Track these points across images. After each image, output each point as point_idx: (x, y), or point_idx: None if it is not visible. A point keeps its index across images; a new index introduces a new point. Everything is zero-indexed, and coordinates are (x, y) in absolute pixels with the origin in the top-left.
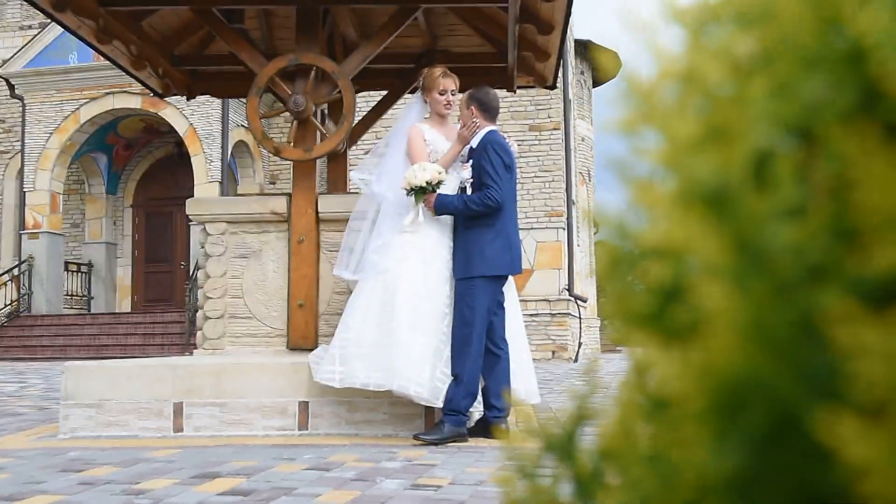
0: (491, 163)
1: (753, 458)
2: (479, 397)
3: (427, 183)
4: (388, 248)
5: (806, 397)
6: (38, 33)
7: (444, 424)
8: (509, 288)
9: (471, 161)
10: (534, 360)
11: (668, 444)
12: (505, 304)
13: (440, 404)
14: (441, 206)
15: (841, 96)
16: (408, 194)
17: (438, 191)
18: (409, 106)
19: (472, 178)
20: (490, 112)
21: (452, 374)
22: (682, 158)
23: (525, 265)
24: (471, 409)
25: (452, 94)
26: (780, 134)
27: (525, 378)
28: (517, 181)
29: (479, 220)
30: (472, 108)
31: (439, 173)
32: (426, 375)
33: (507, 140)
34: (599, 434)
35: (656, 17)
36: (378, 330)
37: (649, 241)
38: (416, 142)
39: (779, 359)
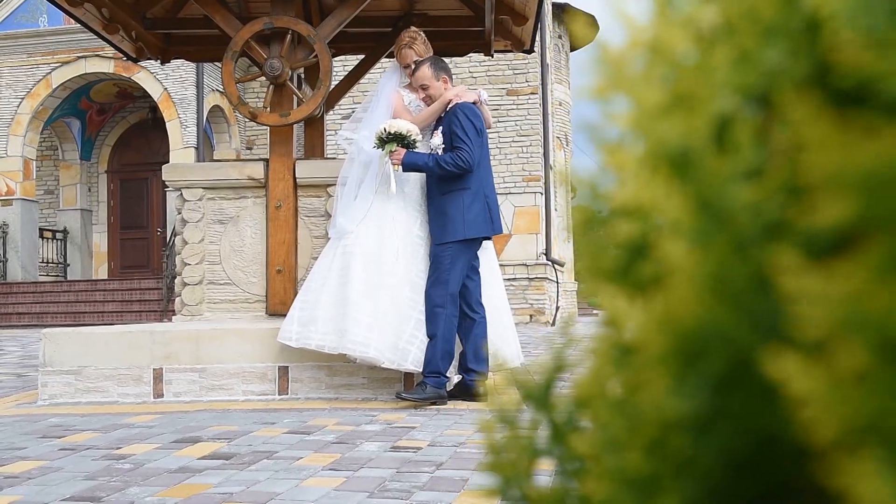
0: (462, 127)
1: (710, 400)
2: (456, 361)
3: (408, 132)
4: (352, 211)
5: (758, 343)
6: None
7: (425, 385)
8: (486, 253)
9: (440, 128)
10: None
11: (633, 388)
12: (483, 270)
13: (407, 367)
14: (411, 163)
15: (797, 65)
16: (378, 145)
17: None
18: (388, 73)
19: (442, 143)
20: (452, 80)
21: (428, 336)
22: (648, 123)
23: (503, 230)
24: (450, 372)
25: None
26: (741, 100)
27: (507, 342)
28: (493, 145)
29: (455, 185)
30: (444, 78)
31: (417, 134)
32: (375, 338)
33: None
34: (574, 383)
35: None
36: (335, 293)
37: (618, 202)
38: (398, 106)
39: (734, 309)
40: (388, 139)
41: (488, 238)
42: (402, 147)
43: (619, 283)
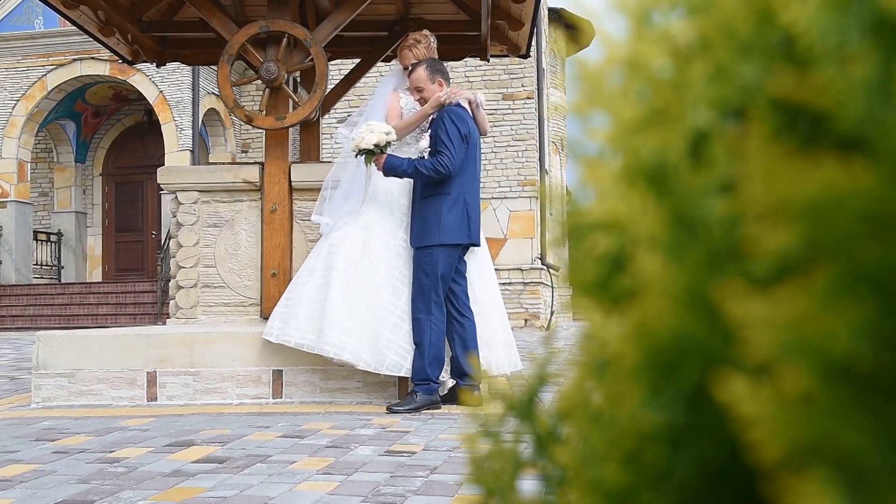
0: (447, 131)
1: (684, 411)
2: (448, 365)
3: (375, 146)
4: (337, 210)
5: (731, 356)
6: None
7: (415, 394)
8: (477, 257)
9: (430, 131)
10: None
11: (612, 400)
12: (472, 273)
13: (384, 371)
14: (390, 168)
15: (772, 80)
16: (356, 155)
17: (388, 152)
18: (389, 74)
19: (429, 147)
20: (449, 84)
21: (415, 343)
22: (625, 138)
23: (498, 234)
24: (443, 376)
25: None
26: (716, 115)
27: (495, 347)
28: (489, 150)
29: (436, 189)
30: (440, 81)
31: (387, 134)
32: (352, 341)
33: (474, 102)
34: (557, 395)
35: (602, 5)
36: (317, 292)
37: (596, 215)
38: (393, 106)
39: (708, 321)
40: (363, 153)
41: (475, 244)
42: (378, 154)
43: (598, 296)
